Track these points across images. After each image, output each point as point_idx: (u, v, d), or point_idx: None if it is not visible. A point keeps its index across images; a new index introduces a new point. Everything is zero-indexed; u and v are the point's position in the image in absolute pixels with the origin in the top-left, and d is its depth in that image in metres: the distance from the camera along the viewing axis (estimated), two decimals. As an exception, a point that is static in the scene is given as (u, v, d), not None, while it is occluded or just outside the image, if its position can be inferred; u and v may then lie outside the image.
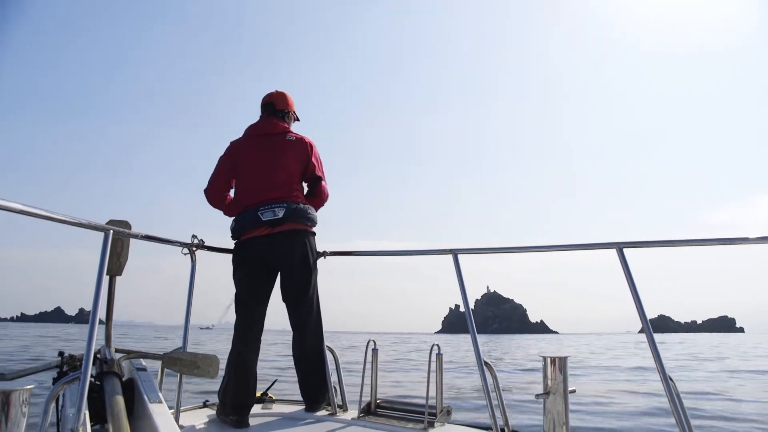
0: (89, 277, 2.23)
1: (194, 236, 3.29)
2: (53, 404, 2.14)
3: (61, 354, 2.68)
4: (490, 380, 2.69)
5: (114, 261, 2.79)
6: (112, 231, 2.29)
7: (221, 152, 3.51)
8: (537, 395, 2.48)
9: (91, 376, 2.33)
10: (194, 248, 3.27)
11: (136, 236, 2.76)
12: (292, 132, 3.49)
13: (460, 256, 2.96)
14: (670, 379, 2.23)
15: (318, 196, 3.52)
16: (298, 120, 3.69)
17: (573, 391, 2.45)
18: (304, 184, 3.53)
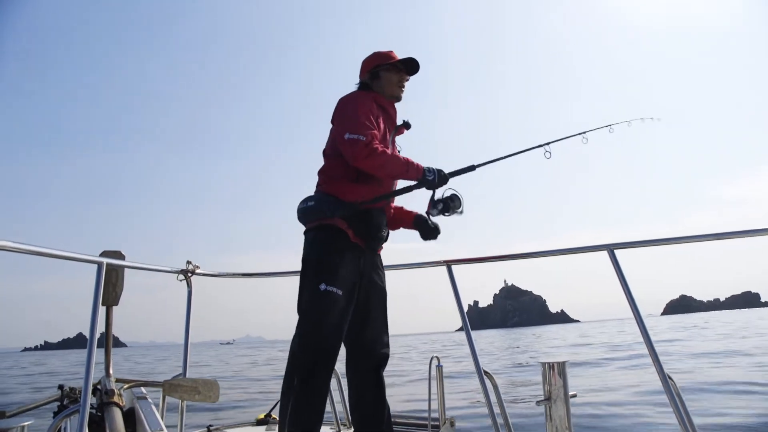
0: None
1: (189, 262, 3.31)
2: None
3: (60, 387, 2.71)
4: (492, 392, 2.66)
5: (110, 291, 2.83)
6: (105, 263, 2.29)
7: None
8: (538, 402, 2.45)
9: (92, 407, 2.38)
10: (189, 274, 3.29)
11: (129, 266, 2.79)
12: None
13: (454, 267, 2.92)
14: (670, 378, 2.19)
15: (357, 166, 2.45)
16: (371, 78, 2.71)
17: (574, 396, 2.42)
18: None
